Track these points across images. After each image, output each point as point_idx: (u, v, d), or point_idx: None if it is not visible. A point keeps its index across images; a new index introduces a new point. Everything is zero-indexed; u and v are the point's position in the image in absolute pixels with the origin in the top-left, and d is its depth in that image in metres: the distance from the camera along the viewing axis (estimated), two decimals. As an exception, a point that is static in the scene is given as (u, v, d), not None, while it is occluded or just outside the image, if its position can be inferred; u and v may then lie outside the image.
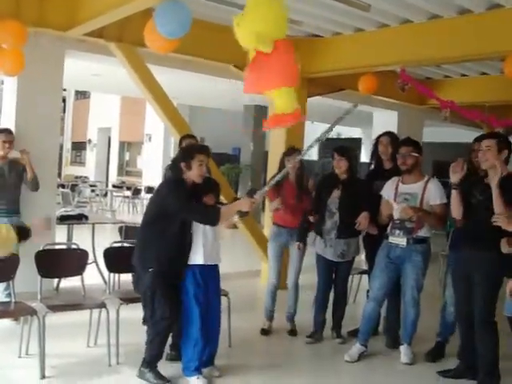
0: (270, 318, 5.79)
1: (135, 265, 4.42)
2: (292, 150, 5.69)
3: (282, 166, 5.58)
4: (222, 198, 5.25)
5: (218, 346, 4.61)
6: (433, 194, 4.92)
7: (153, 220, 4.38)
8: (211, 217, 4.28)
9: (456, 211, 4.56)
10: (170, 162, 4.57)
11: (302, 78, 7.74)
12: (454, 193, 4.50)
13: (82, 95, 24.54)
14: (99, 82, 11.34)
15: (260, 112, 14.21)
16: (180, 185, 4.34)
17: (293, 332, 5.76)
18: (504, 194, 4.19)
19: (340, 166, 5.36)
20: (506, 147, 4.37)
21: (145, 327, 4.53)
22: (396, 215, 4.93)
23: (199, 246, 4.40)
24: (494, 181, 4.21)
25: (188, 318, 4.37)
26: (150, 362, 4.34)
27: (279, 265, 5.75)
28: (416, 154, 4.99)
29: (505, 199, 4.18)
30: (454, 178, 4.46)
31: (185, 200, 4.23)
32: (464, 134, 11.99)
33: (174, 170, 4.50)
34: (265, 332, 5.72)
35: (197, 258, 4.41)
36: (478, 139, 5.08)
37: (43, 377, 4.27)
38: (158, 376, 4.32)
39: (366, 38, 7.06)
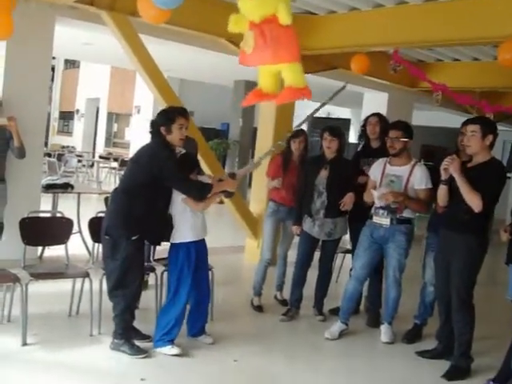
0: (260, 293, 5.86)
1: (111, 233, 4.26)
2: (299, 132, 5.80)
3: (288, 146, 5.77)
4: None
5: (208, 316, 4.76)
6: (418, 178, 4.92)
7: (138, 186, 4.26)
8: (203, 193, 4.35)
9: (442, 201, 4.58)
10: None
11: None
12: (442, 187, 4.49)
13: (71, 64, 24.22)
14: (90, 52, 11.18)
15: (250, 88, 14.06)
16: (172, 155, 4.31)
17: (285, 302, 5.88)
18: (478, 181, 4.23)
19: (331, 147, 5.37)
20: (491, 132, 4.36)
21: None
22: (377, 203, 4.95)
23: (191, 223, 4.43)
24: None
25: (175, 296, 4.41)
26: (122, 334, 4.33)
27: (274, 240, 5.91)
28: (405, 139, 4.97)
29: (476, 187, 4.21)
30: (445, 175, 4.42)
31: (181, 172, 4.25)
32: (453, 119, 12.00)
33: (155, 135, 4.35)
34: (260, 308, 5.78)
35: (190, 234, 4.44)
36: (466, 122, 5.10)
37: (25, 344, 4.28)
38: (135, 347, 4.32)
39: (361, 17, 7.01)
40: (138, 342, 4.42)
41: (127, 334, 4.35)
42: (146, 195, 4.23)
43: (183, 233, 4.43)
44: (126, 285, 4.26)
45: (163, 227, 4.43)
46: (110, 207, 4.49)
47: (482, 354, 4.82)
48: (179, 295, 4.40)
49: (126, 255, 4.21)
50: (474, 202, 4.22)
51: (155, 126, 4.35)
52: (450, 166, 4.26)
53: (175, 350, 4.37)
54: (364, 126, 5.75)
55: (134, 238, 4.21)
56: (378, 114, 5.76)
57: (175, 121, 4.29)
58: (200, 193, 4.36)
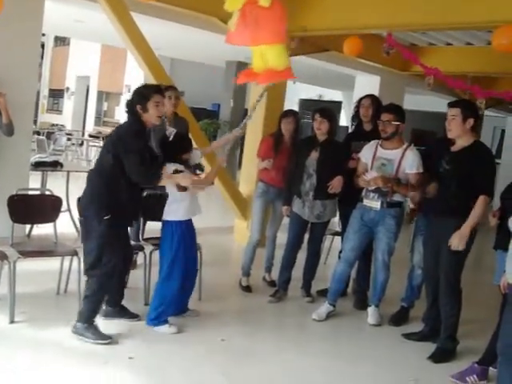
0: (248, 274, 5.87)
1: (86, 214, 4.24)
2: (289, 113, 5.83)
3: (279, 128, 5.75)
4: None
5: (191, 293, 4.78)
6: (410, 162, 4.89)
7: (104, 165, 4.18)
8: (149, 181, 4.28)
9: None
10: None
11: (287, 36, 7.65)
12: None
13: (61, 41, 23.94)
14: (81, 29, 11.04)
15: (242, 68, 14.01)
16: (141, 133, 4.18)
17: (273, 283, 5.88)
18: (460, 166, 4.30)
19: (321, 128, 5.35)
20: (471, 115, 4.36)
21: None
22: (368, 187, 4.96)
23: (189, 202, 4.44)
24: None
25: (170, 274, 4.43)
26: (88, 317, 4.19)
27: (263, 221, 5.90)
28: (397, 123, 4.93)
29: (468, 170, 4.27)
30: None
31: (142, 155, 4.08)
32: (444, 104, 11.96)
33: (131, 114, 4.24)
34: (248, 289, 5.80)
35: (185, 213, 4.46)
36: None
37: (12, 321, 4.28)
38: (98, 333, 4.18)
39: (354, -1, 6.97)
40: (126, 321, 4.44)
41: (92, 318, 4.21)
42: (111, 174, 4.14)
43: (179, 211, 4.44)
44: (100, 265, 4.16)
45: (134, 207, 4.33)
46: (85, 187, 4.37)
47: (468, 336, 4.88)
48: (174, 273, 4.42)
49: (99, 235, 4.13)
50: (485, 206, 4.29)
51: (131, 104, 4.24)
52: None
53: (173, 329, 4.43)
54: (357, 108, 5.72)
55: (105, 217, 4.12)
56: (371, 96, 5.72)
57: (150, 99, 4.15)
58: (145, 180, 4.24)
